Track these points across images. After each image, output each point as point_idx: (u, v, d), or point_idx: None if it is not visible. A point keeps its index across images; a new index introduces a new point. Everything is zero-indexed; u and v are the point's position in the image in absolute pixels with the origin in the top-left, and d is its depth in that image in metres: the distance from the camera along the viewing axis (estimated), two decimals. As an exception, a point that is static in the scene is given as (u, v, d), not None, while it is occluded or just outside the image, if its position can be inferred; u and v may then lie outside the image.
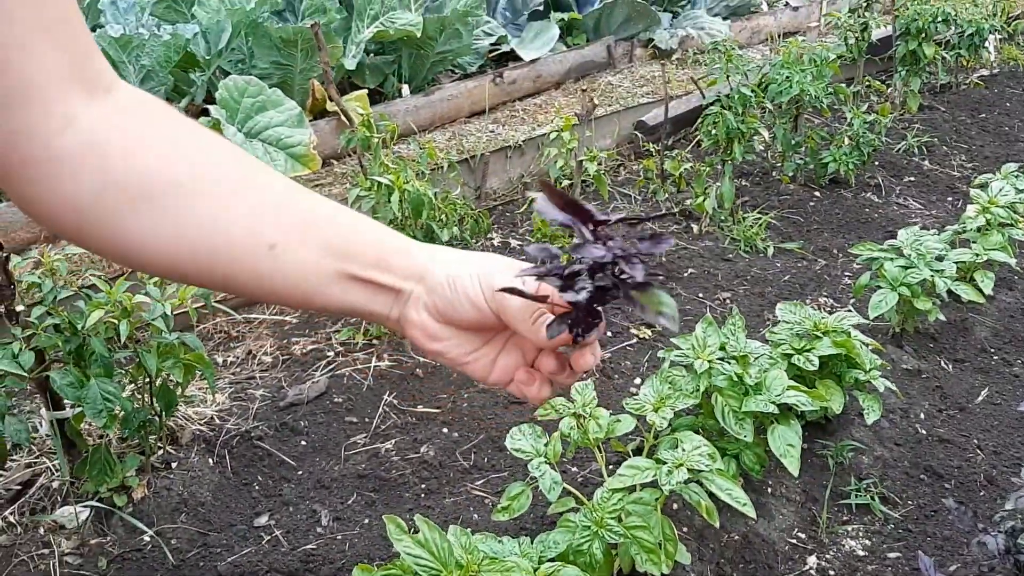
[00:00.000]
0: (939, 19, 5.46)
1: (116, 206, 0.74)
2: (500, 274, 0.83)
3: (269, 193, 0.82)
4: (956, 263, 3.04)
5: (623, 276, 0.75)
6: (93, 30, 4.99)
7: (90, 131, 0.71)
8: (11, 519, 2.36)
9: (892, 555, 2.30)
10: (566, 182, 3.98)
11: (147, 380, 2.37)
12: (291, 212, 0.82)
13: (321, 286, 0.82)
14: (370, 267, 0.83)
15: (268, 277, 0.81)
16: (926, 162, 4.90)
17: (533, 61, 6.06)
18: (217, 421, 2.76)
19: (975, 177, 4.04)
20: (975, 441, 2.71)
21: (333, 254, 0.82)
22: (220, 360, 3.12)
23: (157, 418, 2.43)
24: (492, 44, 6.26)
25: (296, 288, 0.82)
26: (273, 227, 0.80)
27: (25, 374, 2.13)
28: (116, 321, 2.22)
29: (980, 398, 2.93)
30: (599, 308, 0.78)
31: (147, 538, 2.31)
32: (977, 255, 3.15)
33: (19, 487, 2.47)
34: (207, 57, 4.78)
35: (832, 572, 2.26)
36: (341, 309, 0.85)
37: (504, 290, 0.80)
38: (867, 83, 5.17)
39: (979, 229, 3.29)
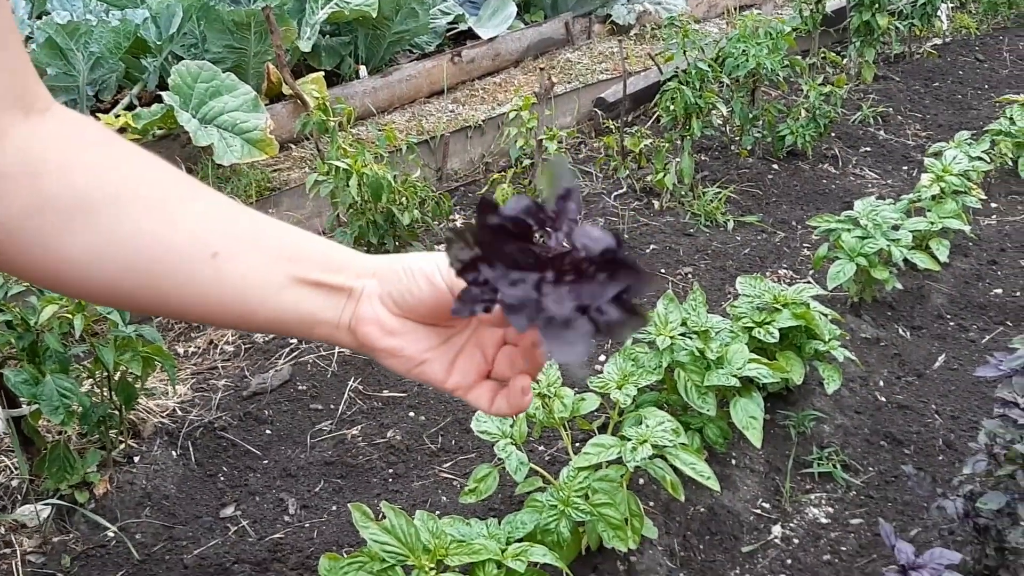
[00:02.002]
0: (892, -11, 5.50)
1: (50, 226, 0.72)
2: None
3: (212, 205, 0.80)
4: (912, 232, 3.08)
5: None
6: (39, 17, 4.87)
7: (24, 150, 0.70)
8: (-29, 520, 2.33)
9: (855, 522, 2.35)
10: (527, 161, 3.97)
11: (105, 374, 2.34)
12: (236, 222, 0.80)
13: (270, 295, 0.79)
14: (322, 269, 0.81)
15: (211, 287, 0.77)
16: (881, 132, 4.95)
17: (491, 39, 6.02)
18: (180, 413, 2.73)
19: (930, 146, 4.10)
20: (933, 407, 2.76)
21: (283, 259, 0.80)
22: (181, 350, 3.09)
23: (117, 412, 2.40)
24: (449, 23, 6.20)
25: (242, 298, 0.79)
26: (218, 235, 0.77)
27: (-22, 373, 2.09)
28: (70, 316, 2.18)
29: (937, 364, 2.98)
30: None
31: (111, 534, 2.28)
32: (932, 223, 3.19)
33: (-22, 487, 2.42)
34: (158, 42, 4.68)
35: (796, 540, 2.29)
36: (289, 320, 0.81)
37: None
38: (822, 55, 5.20)
39: (934, 198, 3.34)
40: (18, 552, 2.23)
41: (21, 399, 2.25)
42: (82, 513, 2.30)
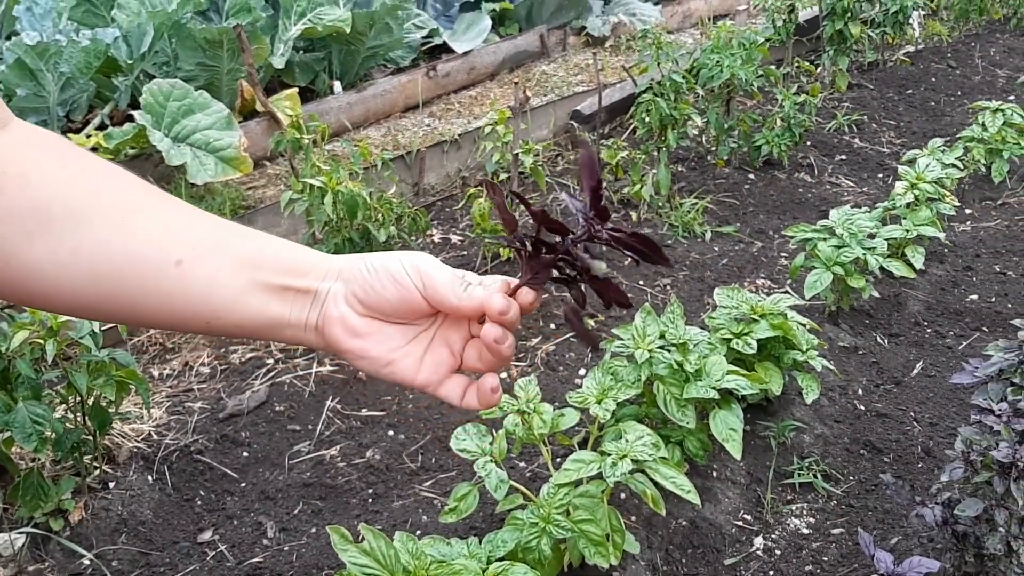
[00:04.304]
0: (863, -2, 5.56)
1: (11, 237, 0.72)
2: (421, 257, 0.83)
3: (175, 214, 0.80)
4: (887, 240, 3.10)
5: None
6: (8, 37, 4.83)
7: None
8: (-58, 551, 2.28)
9: (836, 531, 2.34)
10: (504, 175, 3.97)
11: (78, 400, 2.30)
12: (200, 229, 0.80)
13: (236, 299, 0.80)
14: (286, 274, 0.82)
15: (177, 295, 0.78)
16: (856, 140, 4.99)
17: (466, 53, 6.03)
18: (155, 437, 2.70)
19: (904, 153, 4.12)
20: (912, 414, 2.77)
21: (247, 265, 0.80)
22: (156, 373, 3.05)
23: (91, 438, 2.37)
24: (424, 37, 6.20)
25: (208, 304, 0.79)
26: (181, 244, 0.78)
27: (-53, 401, 2.06)
28: (42, 341, 2.15)
29: (915, 371, 3.00)
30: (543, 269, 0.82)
31: (87, 561, 2.25)
32: (907, 231, 3.22)
33: (-51, 517, 2.38)
34: (129, 61, 4.65)
35: (778, 551, 2.29)
36: (256, 325, 0.82)
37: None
38: (796, 64, 5.24)
39: (908, 205, 3.36)
40: (-9, 583, 2.19)
41: (-8, 427, 2.22)
42: (57, 541, 2.26)
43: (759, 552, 2.29)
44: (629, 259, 0.82)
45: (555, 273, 0.83)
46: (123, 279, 0.76)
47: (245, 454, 2.65)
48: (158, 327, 0.84)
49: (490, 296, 0.82)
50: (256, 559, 2.28)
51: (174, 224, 0.79)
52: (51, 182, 0.74)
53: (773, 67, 4.77)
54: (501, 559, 1.86)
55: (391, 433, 2.75)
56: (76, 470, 2.41)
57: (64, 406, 2.39)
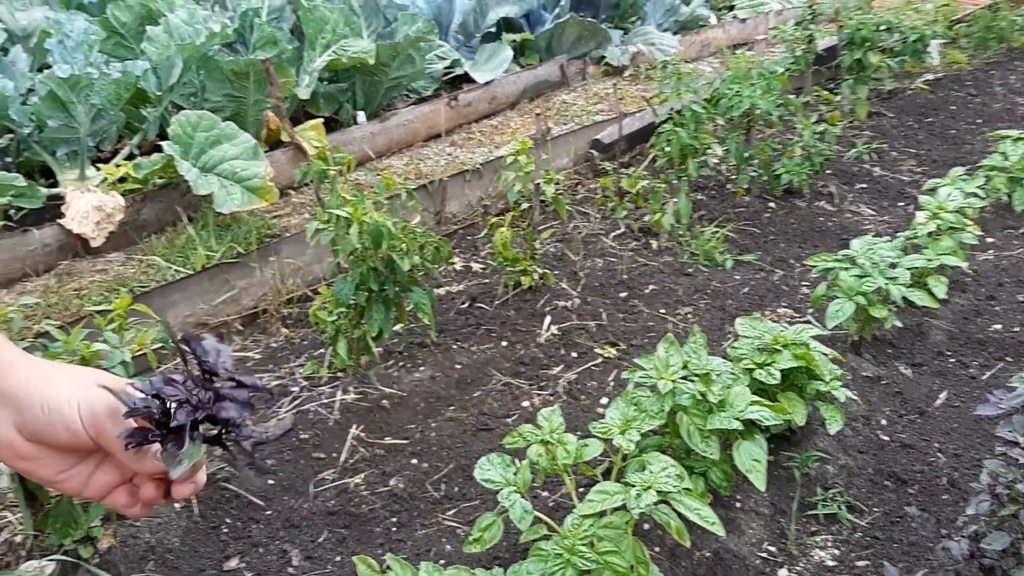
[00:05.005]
0: (882, 27, 5.59)
1: None
2: (98, 397, 0.83)
3: None
4: (909, 269, 3.10)
5: (217, 416, 0.84)
6: (40, 70, 4.93)
7: None
8: (-27, 577, 2.31)
9: (860, 563, 2.34)
10: (525, 204, 4.00)
11: (109, 428, 2.34)
12: None
13: None
14: None
15: None
16: (877, 168, 4.99)
17: (488, 83, 6.10)
18: (182, 464, 2.72)
19: (925, 181, 4.13)
20: (936, 445, 2.76)
21: None
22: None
23: (120, 465, 2.40)
24: (446, 68, 6.28)
25: None
26: None
27: (-18, 429, 2.09)
28: (74, 370, 2.19)
29: (939, 401, 2.99)
30: (192, 439, 0.84)
31: (115, 589, 2.27)
32: (929, 260, 3.21)
33: (-20, 544, 2.41)
34: (158, 93, 4.74)
35: (803, 584, 2.28)
36: None
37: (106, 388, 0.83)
38: (816, 93, 5.27)
39: (930, 235, 3.36)
40: (21, 609, 2.21)
41: (25, 455, 2.25)
42: (86, 568, 2.29)
43: (783, 584, 2.28)
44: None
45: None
46: None
47: (270, 481, 2.68)
48: None
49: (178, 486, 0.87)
50: (282, 587, 2.30)
51: None
52: None
53: (792, 96, 4.80)
54: (526, 590, 1.87)
55: (414, 461, 2.77)
56: (105, 497, 2.44)
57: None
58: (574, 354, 3.32)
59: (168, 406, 0.82)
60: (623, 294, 3.73)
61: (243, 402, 0.85)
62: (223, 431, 0.85)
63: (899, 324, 3.13)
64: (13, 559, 2.36)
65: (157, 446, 0.85)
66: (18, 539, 2.40)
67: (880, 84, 6.08)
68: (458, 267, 4.07)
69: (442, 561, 2.33)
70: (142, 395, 0.83)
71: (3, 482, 2.43)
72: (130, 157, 4.71)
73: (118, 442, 0.82)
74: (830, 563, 2.34)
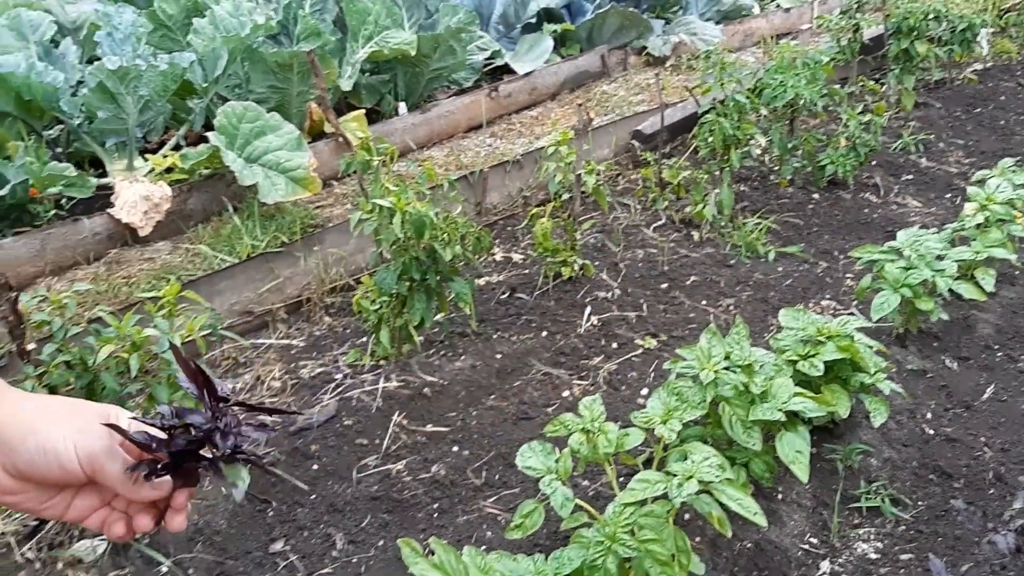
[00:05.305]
0: (930, 16, 5.49)
1: None
2: (94, 435, 0.85)
3: None
4: (956, 262, 3.05)
5: (216, 443, 0.88)
6: (90, 62, 5.03)
7: None
8: (29, 555, 2.39)
9: (904, 557, 2.32)
10: (566, 195, 4.01)
11: (159, 412, 2.39)
12: None
13: None
14: None
15: None
16: (923, 160, 4.92)
17: (528, 74, 6.10)
18: (229, 448, 2.78)
19: (973, 173, 4.06)
20: (982, 439, 2.72)
21: None
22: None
23: (170, 449, 2.45)
24: (487, 59, 6.29)
25: None
26: None
27: (38, 411, 2.16)
28: (126, 355, 2.24)
29: (986, 395, 2.94)
30: (194, 469, 0.90)
31: (164, 568, 2.33)
32: (977, 253, 3.16)
33: (35, 523, 2.48)
34: (204, 84, 4.81)
35: (846, 576, 2.27)
36: None
37: (112, 426, 0.86)
38: (861, 83, 5.19)
39: (978, 226, 3.31)
40: (75, 587, 2.28)
41: (78, 437, 2.31)
42: (137, 548, 2.35)
43: (825, 576, 2.27)
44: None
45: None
46: None
47: (315, 467, 2.72)
48: None
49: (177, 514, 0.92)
50: (326, 570, 2.33)
51: None
52: None
53: (837, 86, 4.74)
54: (567, 576, 1.88)
55: (455, 449, 2.79)
56: (155, 480, 2.50)
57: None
58: (614, 345, 3.32)
59: (177, 436, 0.87)
60: (664, 285, 3.72)
61: (261, 426, 0.91)
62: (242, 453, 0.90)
63: (945, 317, 3.09)
64: (67, 538, 2.42)
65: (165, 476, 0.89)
66: (71, 519, 2.46)
67: (927, 74, 5.97)
68: (498, 258, 4.08)
69: (483, 547, 2.35)
70: (146, 429, 0.87)
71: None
72: (176, 148, 4.79)
73: (117, 477, 0.85)
74: (873, 556, 2.33)
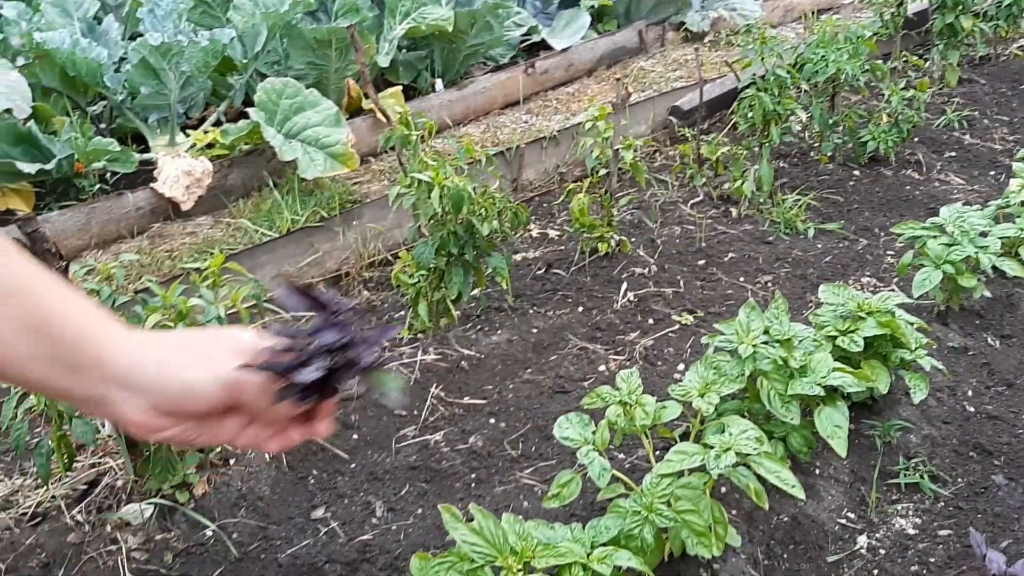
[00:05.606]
0: (976, -10, 5.38)
1: None
2: (228, 357, 0.82)
3: None
4: (1000, 238, 3.01)
5: (354, 358, 0.85)
6: (132, 38, 5.10)
7: None
8: (79, 518, 2.46)
9: (943, 533, 2.31)
10: (603, 171, 4.00)
11: (203, 380, 2.44)
12: (5, 280, 0.77)
13: (19, 362, 0.78)
14: (62, 366, 0.79)
15: None
16: (967, 136, 4.83)
17: (565, 50, 6.07)
18: (271, 418, 2.83)
19: (1018, 150, 3.99)
20: (1024, 417, 2.70)
21: (36, 335, 0.78)
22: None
23: (214, 416, 2.51)
24: (523, 35, 6.27)
25: None
26: None
27: (88, 378, 2.21)
28: (172, 325, 2.29)
29: (1029, 374, 2.91)
30: (338, 381, 0.86)
31: (209, 532, 2.39)
32: (1022, 230, 3.11)
33: (85, 487, 2.56)
34: (244, 61, 4.85)
35: (883, 551, 2.27)
36: (45, 390, 0.82)
37: (249, 366, 0.83)
38: (904, 59, 5.11)
39: (1023, 203, 3.25)
40: (123, 549, 2.34)
41: (126, 403, 2.37)
42: (183, 512, 2.41)
43: (863, 551, 2.27)
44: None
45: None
46: None
47: (355, 436, 2.77)
48: None
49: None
50: (366, 536, 2.38)
51: None
52: None
53: (880, 62, 4.66)
54: (604, 544, 1.90)
55: (492, 421, 2.82)
56: (199, 447, 2.56)
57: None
58: (650, 320, 3.33)
59: (315, 357, 0.83)
60: (701, 262, 3.71)
61: (378, 335, 0.88)
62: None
63: (988, 294, 3.05)
64: (114, 502, 2.49)
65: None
66: (119, 483, 2.53)
67: (972, 49, 5.85)
68: (535, 234, 4.09)
69: (520, 516, 2.38)
70: (279, 359, 0.83)
71: (106, 430, 2.57)
72: (217, 124, 4.85)
73: (260, 403, 0.84)
74: (911, 531, 2.32)
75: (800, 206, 4.01)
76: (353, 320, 0.86)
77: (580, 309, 3.43)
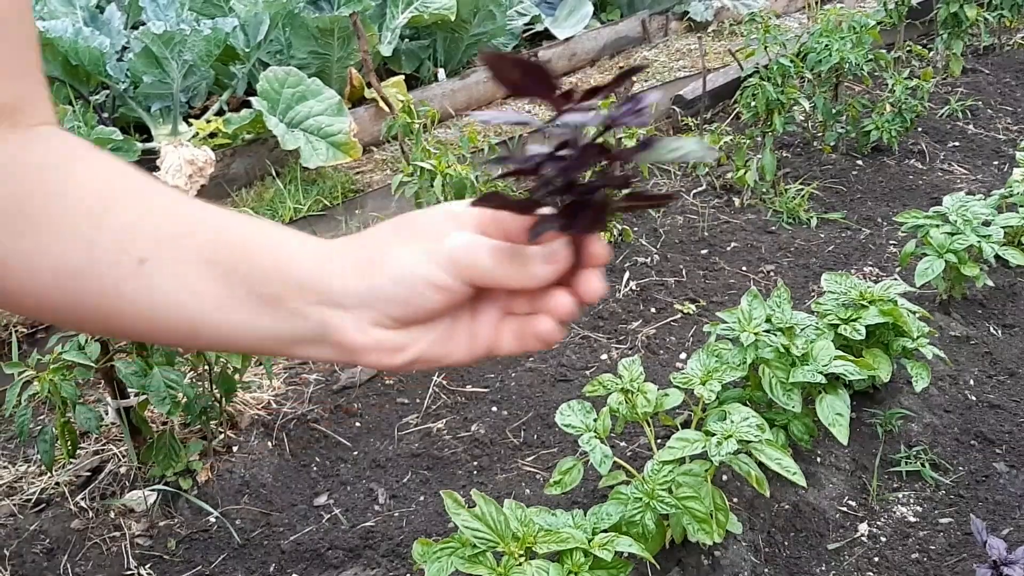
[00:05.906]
0: (981, -21, 5.36)
1: None
2: (446, 235, 0.65)
3: (153, 204, 0.66)
4: (1003, 228, 3.01)
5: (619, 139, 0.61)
6: (135, 27, 5.09)
7: None
8: (83, 504, 2.47)
9: (944, 520, 2.31)
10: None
11: (207, 367, 2.45)
12: (177, 221, 0.66)
13: (212, 310, 0.65)
14: (274, 291, 0.65)
15: (141, 300, 0.64)
16: (970, 126, 4.82)
17: (567, 39, 6.06)
18: (274, 405, 2.84)
19: (1021, 140, 3.98)
20: (1026, 406, 2.70)
21: (223, 271, 0.65)
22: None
23: (217, 404, 2.52)
24: (526, 24, 6.26)
25: (179, 313, 0.65)
26: (147, 238, 0.64)
27: (92, 364, 2.22)
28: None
29: (1031, 363, 2.91)
30: (599, 204, 0.60)
31: (213, 519, 2.40)
32: (1025, 219, 3.11)
33: (89, 473, 2.57)
34: (247, 50, 4.85)
35: (884, 538, 2.28)
36: (245, 341, 0.67)
37: (481, 202, 0.63)
38: (908, 48, 5.09)
39: (1026, 192, 3.25)
40: (127, 535, 2.35)
41: (130, 390, 2.38)
42: (186, 499, 2.42)
43: (863, 538, 2.28)
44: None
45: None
46: (83, 281, 0.64)
47: (357, 424, 2.77)
48: (139, 339, 0.67)
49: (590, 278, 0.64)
50: (368, 523, 2.39)
51: (146, 216, 0.65)
52: (37, 172, 0.66)
53: (884, 51, 4.65)
54: (605, 531, 1.91)
55: (494, 409, 2.83)
56: (203, 434, 2.57)
57: (193, 373, 2.54)
58: (652, 309, 3.33)
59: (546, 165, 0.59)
60: (703, 251, 3.71)
61: (638, 99, 0.60)
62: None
63: (991, 284, 3.06)
64: (118, 488, 2.50)
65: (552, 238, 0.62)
66: (123, 470, 2.54)
67: (976, 39, 5.83)
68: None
69: (521, 503, 2.39)
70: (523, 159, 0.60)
71: (109, 417, 2.58)
72: (219, 113, 4.84)
73: (498, 265, 0.63)
74: (912, 519, 2.33)
75: (803, 195, 4.00)
76: (596, 106, 0.59)
77: (582, 298, 3.43)
